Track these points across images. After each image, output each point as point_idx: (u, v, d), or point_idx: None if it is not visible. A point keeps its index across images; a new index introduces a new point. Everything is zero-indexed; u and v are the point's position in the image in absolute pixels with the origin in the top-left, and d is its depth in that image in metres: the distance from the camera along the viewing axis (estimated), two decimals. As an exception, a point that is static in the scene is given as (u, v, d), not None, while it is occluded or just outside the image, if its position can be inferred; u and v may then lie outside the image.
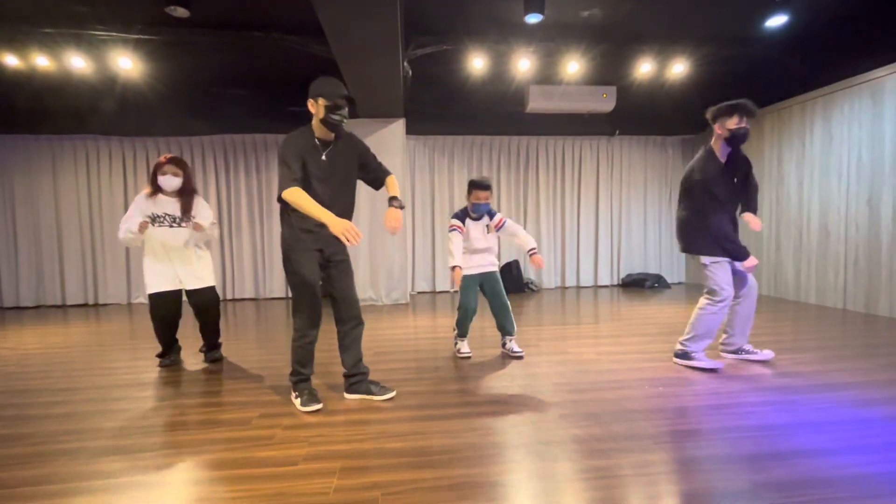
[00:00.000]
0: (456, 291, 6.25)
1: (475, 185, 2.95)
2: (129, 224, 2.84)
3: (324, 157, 2.24)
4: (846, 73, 4.48)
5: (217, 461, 1.75)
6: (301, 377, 2.31)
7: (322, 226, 2.10)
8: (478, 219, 3.06)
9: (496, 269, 3.13)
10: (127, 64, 4.58)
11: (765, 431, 1.91)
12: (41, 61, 4.54)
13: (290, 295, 6.05)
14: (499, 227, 3.06)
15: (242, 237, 6.03)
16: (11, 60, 4.53)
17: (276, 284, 6.11)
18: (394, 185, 2.40)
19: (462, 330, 3.16)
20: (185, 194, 2.97)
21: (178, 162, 2.96)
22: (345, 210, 2.31)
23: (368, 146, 2.44)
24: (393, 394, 2.39)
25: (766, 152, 5.49)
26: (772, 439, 1.84)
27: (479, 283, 3.11)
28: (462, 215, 3.06)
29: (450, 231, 3.01)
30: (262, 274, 6.11)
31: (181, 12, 3.69)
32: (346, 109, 2.21)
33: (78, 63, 4.56)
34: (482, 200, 2.96)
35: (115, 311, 5.45)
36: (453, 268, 2.93)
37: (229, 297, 6.09)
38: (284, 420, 2.12)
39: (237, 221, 6.01)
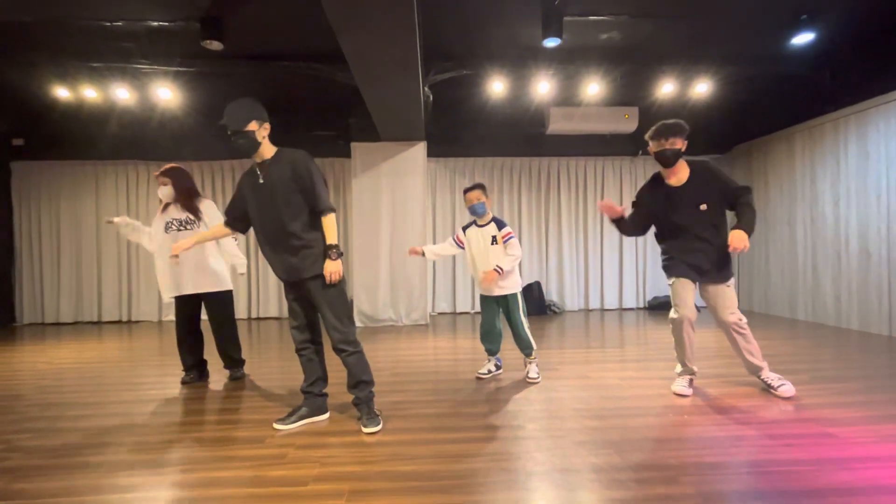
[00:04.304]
0: (477, 313, 6.21)
1: (465, 190, 3.04)
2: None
3: (261, 180, 2.25)
4: (880, 90, 4.32)
5: (229, 479, 1.76)
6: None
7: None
8: (483, 225, 3.02)
9: (508, 292, 2.98)
10: (166, 94, 4.87)
11: (798, 466, 1.79)
12: (89, 93, 4.89)
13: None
14: (505, 240, 2.95)
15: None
16: (63, 93, 4.90)
17: (300, 304, 6.20)
18: (329, 228, 2.19)
19: (485, 347, 3.16)
20: (182, 197, 3.02)
21: (165, 172, 3.02)
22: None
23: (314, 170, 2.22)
24: (377, 428, 2.20)
25: (799, 170, 5.31)
26: (806, 475, 1.72)
27: (495, 303, 3.08)
28: (467, 225, 3.13)
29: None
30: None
31: (216, 46, 3.92)
32: (232, 138, 2.22)
33: (122, 94, 4.89)
34: (473, 202, 2.98)
35: (147, 328, 5.65)
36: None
37: (254, 315, 6.22)
38: (298, 439, 2.12)
39: (264, 242, 6.19)
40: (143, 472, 1.83)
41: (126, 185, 6.17)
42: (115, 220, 3.10)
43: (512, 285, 2.99)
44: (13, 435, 2.24)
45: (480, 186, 3.01)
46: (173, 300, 3.05)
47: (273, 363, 3.67)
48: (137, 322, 6.08)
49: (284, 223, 2.18)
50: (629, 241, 6.46)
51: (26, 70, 4.53)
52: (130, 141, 5.94)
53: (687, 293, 2.63)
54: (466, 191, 3.03)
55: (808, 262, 5.22)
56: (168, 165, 3.06)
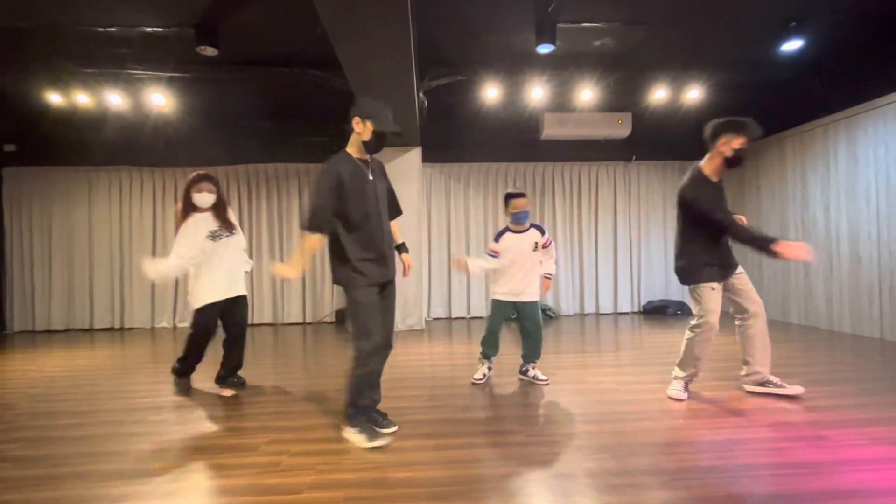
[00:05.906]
0: (474, 318, 6.20)
1: (512, 196, 2.96)
2: (187, 251, 2.82)
3: (371, 177, 2.23)
4: (869, 96, 4.39)
5: (223, 487, 1.74)
6: (359, 410, 2.18)
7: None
8: (522, 231, 2.97)
9: (535, 298, 2.99)
10: (160, 100, 4.86)
11: (793, 469, 1.80)
12: (82, 99, 4.87)
13: (309, 321, 6.13)
14: (545, 247, 2.98)
15: (263, 262, 6.16)
16: (56, 98, 4.87)
17: (294, 310, 6.18)
18: (398, 229, 2.49)
19: (485, 350, 3.12)
20: (220, 207, 2.95)
21: (212, 178, 2.94)
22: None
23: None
24: (394, 429, 2.25)
25: (790, 175, 5.37)
26: (801, 478, 1.73)
27: (513, 308, 3.05)
28: (500, 234, 3.03)
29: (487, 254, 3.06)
30: (280, 299, 6.20)
31: (210, 51, 3.92)
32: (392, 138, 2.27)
33: (115, 100, 4.87)
34: (520, 209, 2.93)
35: (139, 334, 5.59)
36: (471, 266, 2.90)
37: (248, 321, 6.17)
38: (293, 447, 2.10)
39: (258, 247, 6.16)
40: (135, 481, 1.81)
41: (119, 192, 6.12)
42: (155, 278, 2.93)
43: (538, 290, 3.05)
44: (2, 445, 2.20)
45: (525, 194, 2.99)
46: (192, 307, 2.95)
47: (267, 370, 3.65)
48: (130, 329, 6.01)
49: (387, 224, 2.33)
50: (623, 245, 6.50)
51: (19, 75, 4.50)
52: (124, 147, 5.91)
53: (718, 301, 2.61)
54: (513, 196, 2.93)
55: (800, 265, 5.26)
56: (205, 173, 2.93)
